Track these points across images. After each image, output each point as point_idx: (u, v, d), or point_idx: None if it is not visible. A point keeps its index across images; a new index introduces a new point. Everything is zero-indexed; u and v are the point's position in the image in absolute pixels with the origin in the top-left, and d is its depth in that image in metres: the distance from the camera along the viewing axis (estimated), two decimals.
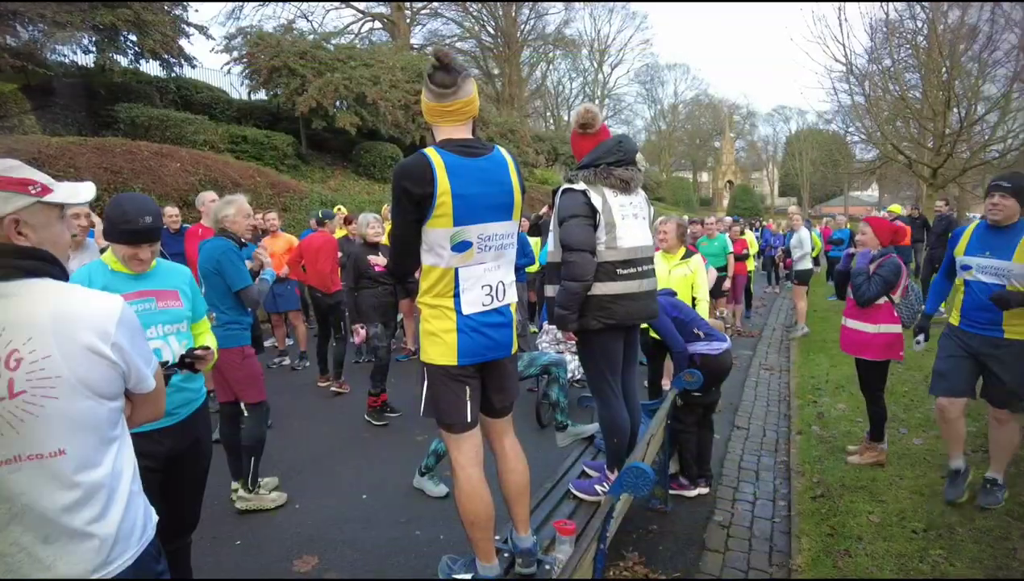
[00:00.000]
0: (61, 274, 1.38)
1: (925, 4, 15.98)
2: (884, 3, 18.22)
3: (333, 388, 6.39)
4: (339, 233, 8.10)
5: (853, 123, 19.37)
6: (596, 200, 2.63)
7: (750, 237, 10.76)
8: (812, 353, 8.01)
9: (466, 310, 2.15)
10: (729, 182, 53.39)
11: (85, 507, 1.33)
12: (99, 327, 1.34)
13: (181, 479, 2.48)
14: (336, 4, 28.43)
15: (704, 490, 4.09)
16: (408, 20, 29.03)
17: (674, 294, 4.34)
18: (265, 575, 3.23)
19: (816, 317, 10.27)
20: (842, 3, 22.76)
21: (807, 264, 9.33)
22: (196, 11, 26.08)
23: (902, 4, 17.10)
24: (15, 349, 1.25)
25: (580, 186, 2.67)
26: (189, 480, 2.55)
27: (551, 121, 47.69)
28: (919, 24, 16.77)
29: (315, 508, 3.92)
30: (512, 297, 2.31)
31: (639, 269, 2.76)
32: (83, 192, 1.49)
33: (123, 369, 1.40)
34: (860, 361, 4.34)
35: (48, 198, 1.39)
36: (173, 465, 2.40)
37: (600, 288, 2.66)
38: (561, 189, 2.74)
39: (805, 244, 9.22)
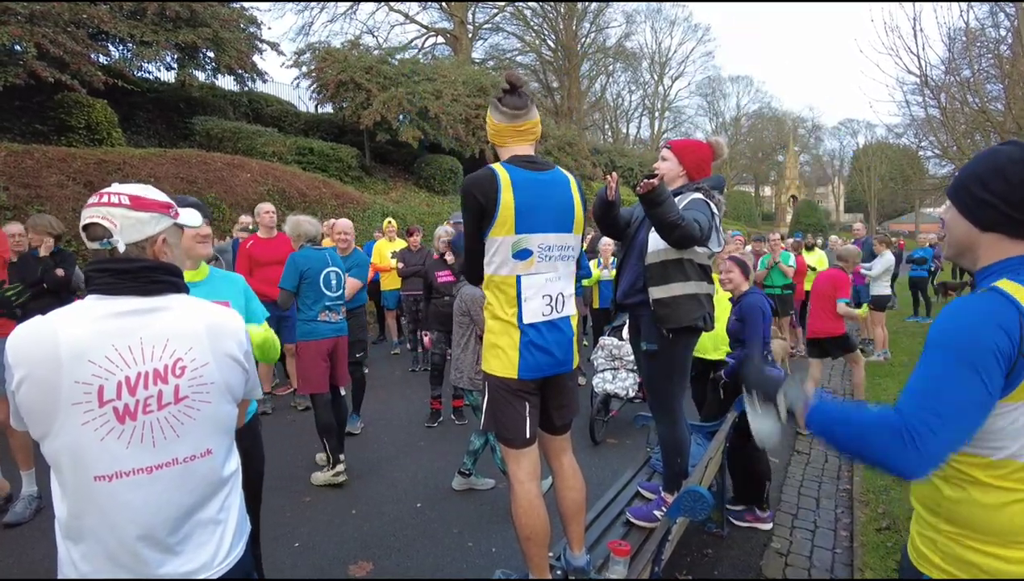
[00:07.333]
0: (186, 289, 1.48)
1: (1010, 11, 15.18)
2: (965, 2, 17.40)
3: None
4: (398, 244, 8.30)
5: (926, 137, 18.51)
6: (717, 218, 2.72)
7: (820, 255, 10.24)
8: (879, 377, 7.68)
9: (527, 319, 2.20)
10: (793, 197, 51.73)
11: (217, 498, 1.44)
12: (237, 337, 1.47)
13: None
14: (401, 20, 29.30)
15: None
16: (470, 35, 29.56)
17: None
18: (321, 577, 3.33)
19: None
20: (918, 1, 21.82)
21: (885, 289, 8.73)
22: (269, 28, 27.26)
23: (983, 11, 16.21)
24: (180, 357, 1.36)
25: (711, 202, 2.74)
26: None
27: (609, 134, 47.52)
28: (1002, 32, 15.95)
29: (372, 514, 4.01)
30: (571, 310, 2.34)
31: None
32: (197, 217, 1.62)
33: (248, 376, 1.52)
34: None
35: (179, 220, 1.52)
36: None
37: (700, 287, 2.70)
38: (695, 195, 2.73)
39: (885, 267, 8.63)
